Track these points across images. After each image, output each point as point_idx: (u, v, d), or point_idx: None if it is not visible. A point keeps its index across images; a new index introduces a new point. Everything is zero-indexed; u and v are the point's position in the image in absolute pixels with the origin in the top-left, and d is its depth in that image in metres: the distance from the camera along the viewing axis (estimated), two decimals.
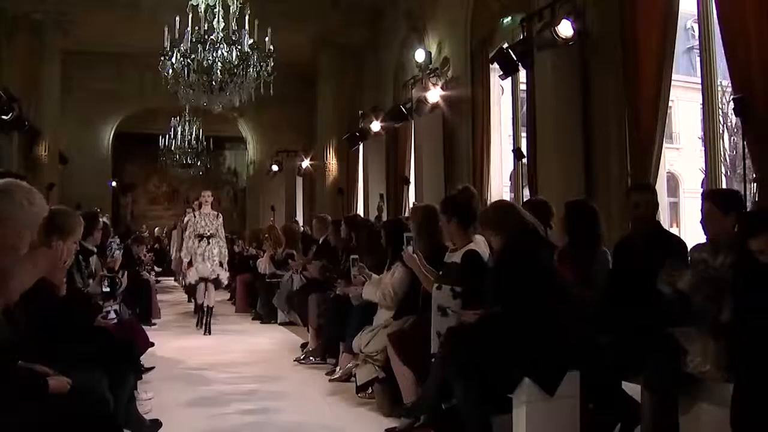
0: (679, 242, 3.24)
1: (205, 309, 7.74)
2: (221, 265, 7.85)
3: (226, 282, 8.45)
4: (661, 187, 5.46)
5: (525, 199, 6.51)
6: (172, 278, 14.06)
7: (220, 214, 8.10)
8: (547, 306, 3.24)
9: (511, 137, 8.69)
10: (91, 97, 14.73)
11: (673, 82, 5.31)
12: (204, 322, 7.71)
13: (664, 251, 3.34)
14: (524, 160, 7.39)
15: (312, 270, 7.04)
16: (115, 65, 14.46)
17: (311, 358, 5.89)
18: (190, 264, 7.87)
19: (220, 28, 7.83)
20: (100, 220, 5.55)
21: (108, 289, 4.23)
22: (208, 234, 7.75)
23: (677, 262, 3.23)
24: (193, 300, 9.25)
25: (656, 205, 3.81)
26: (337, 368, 5.19)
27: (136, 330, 4.83)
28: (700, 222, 3.29)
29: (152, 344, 5.10)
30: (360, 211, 11.84)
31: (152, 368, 5.21)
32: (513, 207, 3.74)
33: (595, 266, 3.87)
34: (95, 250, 4.76)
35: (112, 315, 4.03)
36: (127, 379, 3.41)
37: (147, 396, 4.44)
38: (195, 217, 8.04)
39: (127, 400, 3.42)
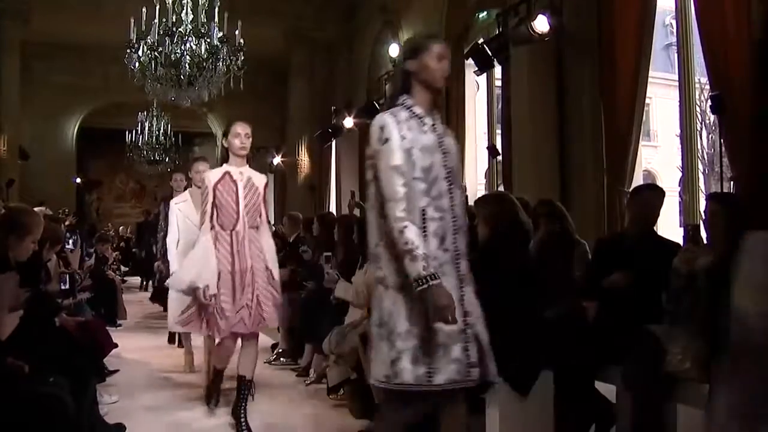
0: (674, 249, 3.17)
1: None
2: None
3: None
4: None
5: None
6: (139, 278, 13.70)
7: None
8: (522, 305, 3.16)
9: (486, 134, 8.65)
10: (53, 91, 14.31)
11: (650, 80, 5.32)
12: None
13: (656, 254, 3.27)
14: (499, 158, 7.35)
15: (281, 276, 6.91)
16: (79, 57, 14.02)
17: (282, 359, 5.77)
18: None
19: (189, 21, 7.65)
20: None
21: (67, 287, 4.08)
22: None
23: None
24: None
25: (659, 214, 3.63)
26: (311, 371, 5.08)
27: (99, 331, 4.66)
28: (703, 222, 3.23)
29: (116, 345, 4.92)
30: (332, 209, 11.71)
31: (116, 371, 5.03)
32: (510, 201, 3.54)
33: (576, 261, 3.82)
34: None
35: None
36: (90, 382, 3.27)
37: (111, 399, 4.28)
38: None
39: (90, 404, 3.27)
